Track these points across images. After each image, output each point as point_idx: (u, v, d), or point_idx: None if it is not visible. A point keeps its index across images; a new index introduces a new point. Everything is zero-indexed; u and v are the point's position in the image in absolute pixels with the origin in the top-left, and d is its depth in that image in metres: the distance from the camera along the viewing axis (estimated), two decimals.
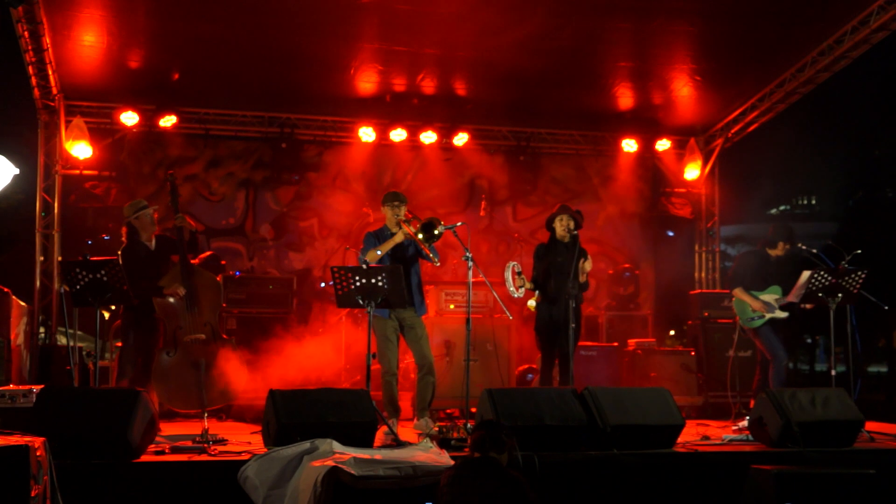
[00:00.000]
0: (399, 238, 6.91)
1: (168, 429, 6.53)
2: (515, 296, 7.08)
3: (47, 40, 8.58)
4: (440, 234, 6.78)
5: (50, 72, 9.18)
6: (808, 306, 7.67)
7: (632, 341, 9.59)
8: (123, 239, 7.26)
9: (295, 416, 5.43)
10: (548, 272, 7.27)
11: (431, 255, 6.81)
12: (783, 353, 7.67)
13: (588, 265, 7.15)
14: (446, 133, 10.79)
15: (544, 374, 7.31)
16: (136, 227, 7.20)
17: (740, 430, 6.91)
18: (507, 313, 7.01)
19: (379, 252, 6.89)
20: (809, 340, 19.14)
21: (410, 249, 7.09)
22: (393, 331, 6.99)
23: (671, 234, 12.20)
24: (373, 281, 6.19)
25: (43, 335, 9.75)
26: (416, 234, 6.80)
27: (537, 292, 7.35)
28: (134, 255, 7.09)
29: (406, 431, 6.60)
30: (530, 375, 9.12)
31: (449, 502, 4.35)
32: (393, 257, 6.96)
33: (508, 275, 7.04)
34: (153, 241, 7.28)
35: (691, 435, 6.63)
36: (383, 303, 6.34)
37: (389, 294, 6.26)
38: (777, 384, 7.41)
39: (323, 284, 9.92)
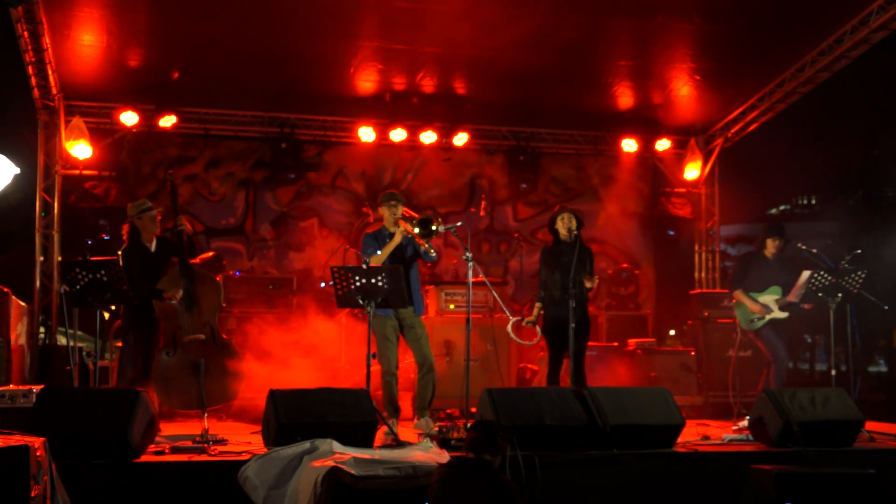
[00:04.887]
0: (398, 239, 6.92)
1: (168, 429, 6.52)
2: (530, 344, 7.15)
3: (47, 40, 8.58)
4: (437, 230, 6.79)
5: (49, 72, 9.17)
6: (807, 306, 7.67)
7: (632, 341, 9.58)
8: (124, 237, 7.25)
9: (295, 416, 5.43)
10: (554, 273, 7.25)
11: (427, 247, 6.80)
12: (784, 353, 7.70)
13: (590, 283, 7.15)
14: (446, 133, 10.77)
15: (552, 374, 7.27)
16: (138, 227, 7.20)
17: (740, 430, 6.91)
18: (508, 313, 7.01)
19: (379, 253, 6.91)
20: (809, 340, 19.10)
21: (409, 249, 7.10)
22: (392, 330, 7.00)
23: (671, 233, 12.20)
24: (373, 281, 6.19)
25: (43, 335, 9.73)
26: (412, 228, 6.81)
27: (537, 305, 7.33)
28: (134, 256, 7.08)
29: (406, 431, 6.60)
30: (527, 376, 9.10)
31: (437, 499, 4.31)
32: (392, 257, 6.97)
33: (511, 334, 7.07)
34: (153, 243, 7.27)
35: (691, 435, 6.62)
36: (383, 303, 6.34)
37: (389, 294, 6.26)
38: (777, 385, 7.41)
39: (323, 284, 9.92)
